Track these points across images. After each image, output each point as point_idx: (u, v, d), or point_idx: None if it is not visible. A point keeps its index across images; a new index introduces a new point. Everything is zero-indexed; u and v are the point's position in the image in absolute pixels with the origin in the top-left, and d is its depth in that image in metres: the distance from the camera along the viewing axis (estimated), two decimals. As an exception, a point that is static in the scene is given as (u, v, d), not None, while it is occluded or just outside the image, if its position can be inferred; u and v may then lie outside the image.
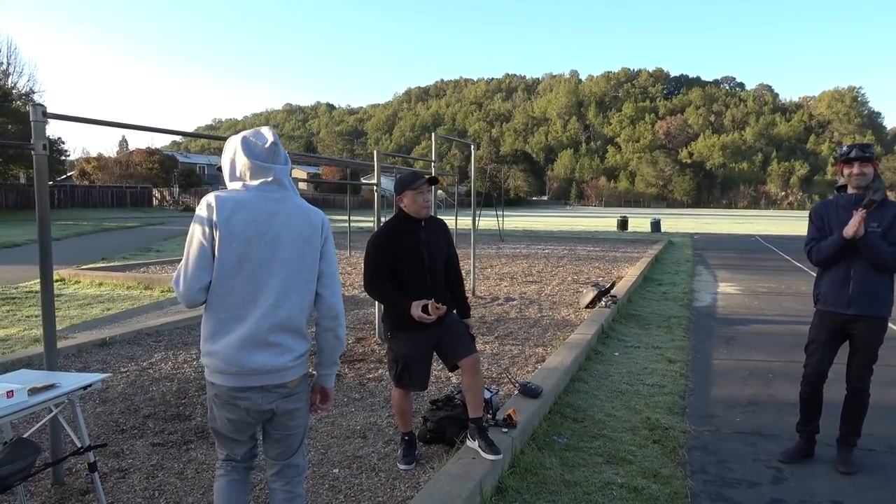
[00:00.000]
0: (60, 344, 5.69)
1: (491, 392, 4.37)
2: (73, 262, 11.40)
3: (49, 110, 3.33)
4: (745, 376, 5.99)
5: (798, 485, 3.70)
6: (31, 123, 3.27)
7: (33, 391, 2.75)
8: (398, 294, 3.53)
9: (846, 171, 3.76)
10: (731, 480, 3.77)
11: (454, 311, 3.81)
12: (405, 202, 3.60)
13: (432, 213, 3.80)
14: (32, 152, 3.27)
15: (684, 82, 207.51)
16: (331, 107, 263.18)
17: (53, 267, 3.52)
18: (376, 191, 7.00)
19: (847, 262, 3.76)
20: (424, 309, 3.39)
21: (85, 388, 2.93)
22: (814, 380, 3.95)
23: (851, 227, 3.61)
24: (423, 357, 3.68)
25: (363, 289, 3.74)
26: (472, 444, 3.62)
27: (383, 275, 3.58)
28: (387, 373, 5.65)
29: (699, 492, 3.61)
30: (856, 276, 3.74)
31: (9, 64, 43.41)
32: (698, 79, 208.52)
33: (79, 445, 3.00)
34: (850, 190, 3.81)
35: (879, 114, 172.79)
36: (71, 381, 2.96)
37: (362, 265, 3.65)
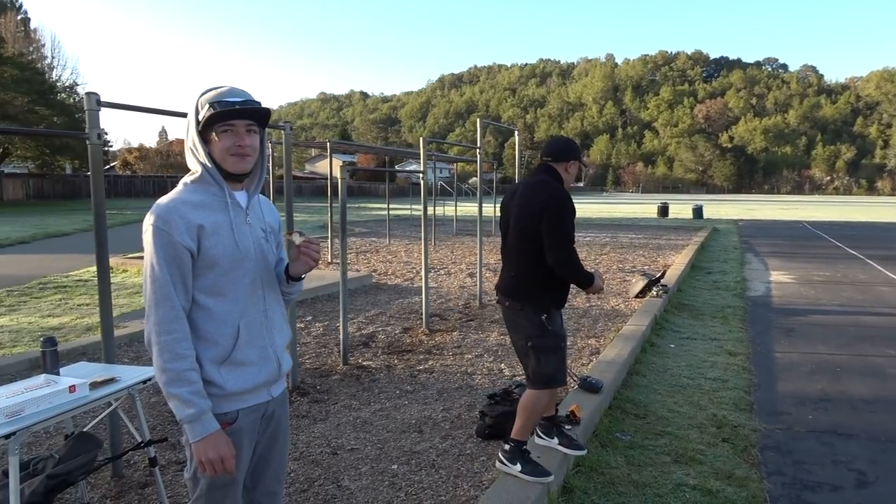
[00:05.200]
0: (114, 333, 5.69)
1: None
2: (120, 250, 11.52)
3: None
4: (812, 370, 5.70)
5: (887, 490, 3.46)
6: (86, 112, 3.20)
7: (94, 385, 2.69)
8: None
9: None
10: (811, 483, 3.54)
11: None
12: (571, 171, 3.23)
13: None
14: (87, 142, 3.20)
15: (724, 64, 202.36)
16: (364, 95, 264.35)
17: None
18: (422, 178, 6.86)
19: None
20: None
21: (145, 381, 2.86)
22: None
23: None
24: None
25: (559, 261, 3.04)
26: (546, 440, 3.44)
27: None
28: (436, 364, 5.53)
29: (778, 495, 3.40)
30: None
31: (53, 58, 44.71)
32: (739, 61, 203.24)
33: (139, 440, 2.94)
34: None
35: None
36: (131, 374, 2.90)
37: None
